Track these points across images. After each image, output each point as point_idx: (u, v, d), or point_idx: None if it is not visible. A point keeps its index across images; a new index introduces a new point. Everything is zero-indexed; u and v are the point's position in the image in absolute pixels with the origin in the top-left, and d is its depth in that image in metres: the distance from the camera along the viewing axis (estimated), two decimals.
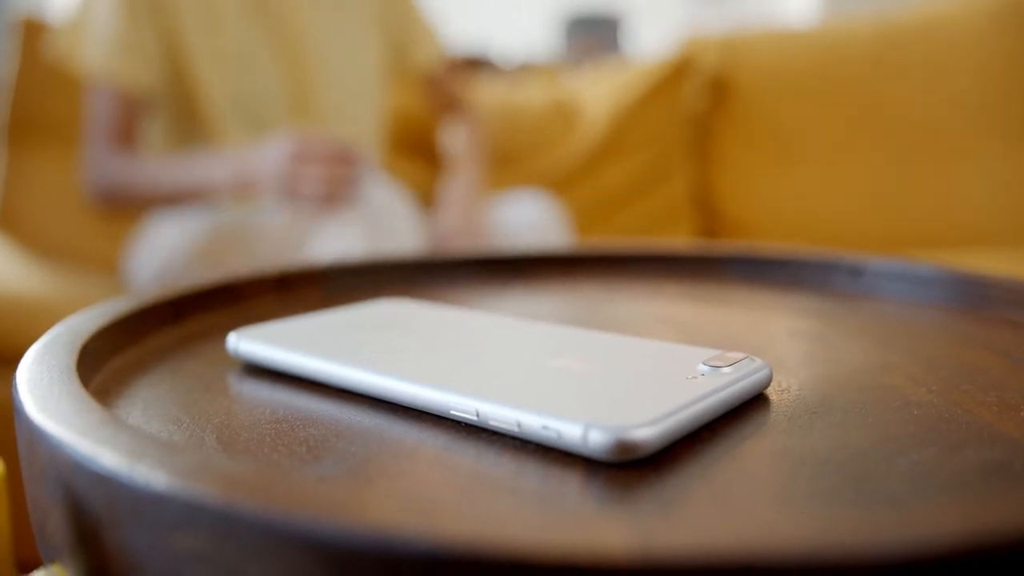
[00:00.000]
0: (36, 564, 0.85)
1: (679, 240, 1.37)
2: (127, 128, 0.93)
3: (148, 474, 0.17)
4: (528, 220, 1.03)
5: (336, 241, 0.80)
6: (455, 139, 1.13)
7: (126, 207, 0.93)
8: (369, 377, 0.26)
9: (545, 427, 0.21)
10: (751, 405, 0.25)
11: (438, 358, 0.28)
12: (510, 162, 1.38)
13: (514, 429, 0.22)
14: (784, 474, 0.20)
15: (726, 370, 0.25)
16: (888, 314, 0.40)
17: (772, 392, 0.27)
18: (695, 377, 0.25)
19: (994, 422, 0.24)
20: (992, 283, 0.40)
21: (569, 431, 0.21)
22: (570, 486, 0.19)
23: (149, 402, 0.27)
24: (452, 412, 0.24)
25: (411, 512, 0.15)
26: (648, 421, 0.21)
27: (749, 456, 0.21)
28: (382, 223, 0.81)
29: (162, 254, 0.93)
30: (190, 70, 0.93)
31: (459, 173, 1.07)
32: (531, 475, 0.20)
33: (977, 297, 0.40)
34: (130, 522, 0.17)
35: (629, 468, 0.20)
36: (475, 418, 0.23)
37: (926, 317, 0.39)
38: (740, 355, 0.26)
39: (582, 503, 0.19)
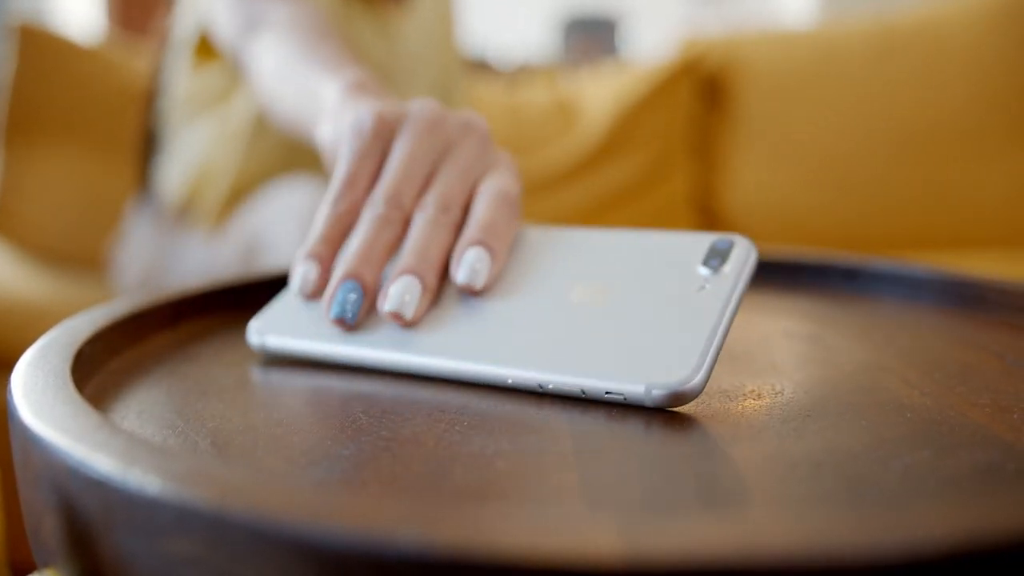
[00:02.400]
0: (30, 568, 0.84)
1: None
2: None
3: (141, 479, 0.17)
4: None
5: (207, 261, 0.74)
6: None
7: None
8: (425, 360, 0.28)
9: (609, 392, 0.25)
10: (746, 408, 0.25)
11: (471, 327, 0.29)
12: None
13: (578, 394, 0.25)
14: (777, 477, 0.20)
15: (726, 269, 0.27)
16: (884, 316, 0.40)
17: (767, 394, 0.27)
18: (702, 288, 0.27)
19: (987, 424, 0.24)
20: (988, 285, 0.40)
21: (633, 391, 0.24)
22: (561, 490, 0.19)
23: (145, 406, 0.27)
24: (509, 382, 0.27)
25: (404, 517, 0.15)
26: (694, 370, 0.24)
27: (742, 459, 0.21)
28: (258, 241, 0.72)
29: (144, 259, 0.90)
30: None
31: None
32: (522, 478, 0.20)
33: (973, 299, 0.40)
34: (124, 527, 0.17)
35: (619, 469, 0.20)
36: (538, 388, 0.26)
37: (921, 319, 0.39)
38: (726, 240, 0.28)
39: (573, 507, 0.19)
